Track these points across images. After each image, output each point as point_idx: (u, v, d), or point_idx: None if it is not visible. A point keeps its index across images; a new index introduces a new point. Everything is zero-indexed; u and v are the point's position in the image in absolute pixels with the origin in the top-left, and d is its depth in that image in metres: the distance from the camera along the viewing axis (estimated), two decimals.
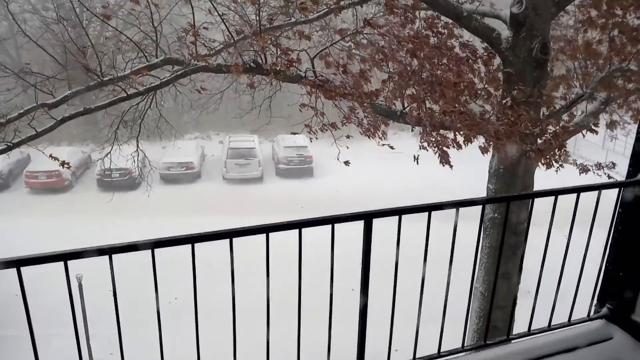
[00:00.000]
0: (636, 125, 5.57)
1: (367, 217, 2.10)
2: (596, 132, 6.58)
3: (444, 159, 6.98)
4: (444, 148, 6.87)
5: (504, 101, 6.29)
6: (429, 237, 2.42)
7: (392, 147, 7.46)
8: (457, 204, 2.22)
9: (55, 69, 7.47)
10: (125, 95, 6.51)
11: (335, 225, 2.10)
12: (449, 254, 2.50)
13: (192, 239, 1.88)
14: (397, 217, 2.23)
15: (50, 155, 7.40)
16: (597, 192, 2.42)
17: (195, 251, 2.05)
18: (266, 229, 1.97)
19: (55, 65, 7.51)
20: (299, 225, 1.99)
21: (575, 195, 2.37)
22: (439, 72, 6.78)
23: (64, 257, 1.75)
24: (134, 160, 8.66)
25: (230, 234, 1.93)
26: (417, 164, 6.79)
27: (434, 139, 6.81)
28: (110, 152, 8.17)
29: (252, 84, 7.68)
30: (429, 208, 2.19)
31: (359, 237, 2.17)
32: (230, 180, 21.81)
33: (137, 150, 8.56)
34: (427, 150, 6.83)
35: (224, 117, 22.54)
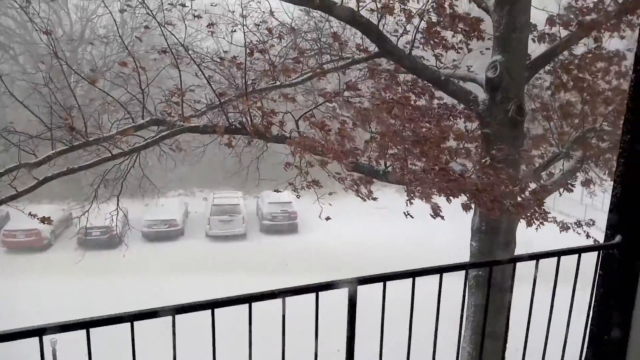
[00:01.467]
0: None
1: (352, 284, 2.09)
2: (572, 191, 6.75)
3: (435, 212, 7.04)
4: (432, 201, 6.96)
5: (482, 160, 6.45)
6: (414, 300, 2.41)
7: (375, 199, 7.53)
8: (441, 270, 2.23)
9: (39, 128, 7.50)
10: (110, 155, 6.53)
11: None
12: (435, 314, 2.48)
13: (173, 311, 1.84)
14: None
15: (30, 213, 7.27)
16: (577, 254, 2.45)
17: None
18: (248, 299, 1.94)
19: (40, 124, 7.55)
20: (282, 294, 1.96)
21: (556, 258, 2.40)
22: (420, 131, 6.97)
23: (39, 332, 1.69)
24: (113, 219, 8.55)
25: (212, 305, 1.89)
26: (412, 217, 6.90)
27: (419, 193, 6.90)
28: (88, 211, 8.05)
29: (230, 142, 7.75)
30: (412, 274, 2.20)
31: (343, 298, 2.15)
32: (213, 237, 21.56)
33: (117, 208, 8.48)
34: (412, 203, 6.91)
35: (209, 173, 22.62)
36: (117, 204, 8.44)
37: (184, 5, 7.21)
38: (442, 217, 6.79)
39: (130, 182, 8.32)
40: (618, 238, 2.45)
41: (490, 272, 2.73)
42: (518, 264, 2.85)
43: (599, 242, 6.45)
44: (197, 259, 19.11)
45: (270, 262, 18.18)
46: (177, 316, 1.88)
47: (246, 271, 17.11)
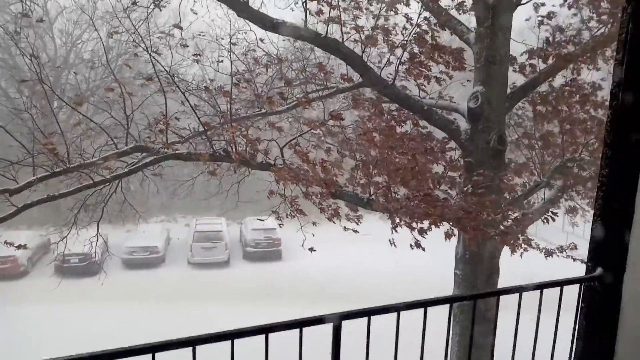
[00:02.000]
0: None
1: (336, 320, 2.06)
2: (554, 220, 6.86)
3: (416, 243, 7.07)
4: (415, 230, 6.99)
5: (465, 188, 6.53)
6: (399, 333, 2.39)
7: (355, 231, 7.55)
8: (425, 304, 2.22)
9: (20, 154, 7.39)
10: (92, 182, 6.45)
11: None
12: (420, 346, 2.46)
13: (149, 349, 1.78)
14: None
15: (5, 242, 7.09)
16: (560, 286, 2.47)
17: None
18: (230, 336, 1.90)
19: (21, 150, 7.44)
20: (266, 330, 1.93)
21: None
22: (403, 160, 7.04)
23: None
24: (92, 246, 8.37)
25: (193, 342, 1.85)
26: (395, 247, 6.93)
27: (403, 222, 6.94)
28: (67, 237, 7.88)
29: (214, 171, 7.72)
30: (397, 309, 2.19)
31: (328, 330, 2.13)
32: (195, 264, 21.22)
33: (97, 235, 8.31)
34: (397, 232, 6.94)
35: (191, 199, 22.37)
36: (97, 230, 8.28)
37: (172, 35, 7.28)
38: (423, 249, 6.83)
39: (111, 207, 8.19)
40: (599, 271, 2.48)
41: (474, 305, 2.72)
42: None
43: (583, 261, 6.57)
44: (178, 287, 18.75)
45: (254, 290, 17.93)
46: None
47: (228, 300, 16.83)
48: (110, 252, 9.57)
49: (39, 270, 20.14)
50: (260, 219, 8.25)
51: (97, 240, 8.40)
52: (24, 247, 7.09)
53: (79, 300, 16.11)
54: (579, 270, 2.80)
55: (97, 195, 7.80)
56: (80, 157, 6.62)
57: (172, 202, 23.96)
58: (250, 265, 21.58)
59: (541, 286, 2.37)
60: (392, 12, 7.06)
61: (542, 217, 6.71)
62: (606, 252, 2.50)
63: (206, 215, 24.09)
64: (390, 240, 6.91)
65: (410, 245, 7.02)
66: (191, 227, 23.03)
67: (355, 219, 7.60)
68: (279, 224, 7.73)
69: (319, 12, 6.85)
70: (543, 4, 7.65)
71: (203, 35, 8.17)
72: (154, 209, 25.13)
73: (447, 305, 2.61)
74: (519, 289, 2.34)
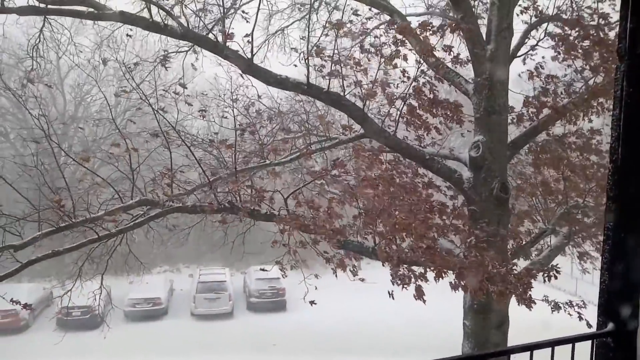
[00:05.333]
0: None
1: None
2: (556, 277, 6.76)
3: (419, 295, 6.94)
4: (417, 283, 6.89)
5: (468, 240, 6.49)
6: None
7: (362, 280, 7.45)
8: None
9: (26, 209, 7.44)
10: (97, 236, 6.46)
11: None
12: None
13: None
14: None
15: (12, 300, 7.01)
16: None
17: None
18: None
19: (27, 204, 7.49)
20: None
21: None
22: (405, 210, 7.05)
23: None
24: (95, 299, 8.27)
25: None
26: (393, 299, 6.77)
27: (402, 274, 6.84)
28: (71, 290, 7.79)
29: (225, 220, 7.77)
30: None
31: None
32: (199, 316, 20.82)
33: (100, 287, 8.22)
34: (399, 284, 6.82)
35: (195, 249, 22.27)
36: (101, 283, 8.20)
37: (178, 93, 7.49)
38: (424, 301, 6.69)
39: (115, 259, 8.15)
40: (610, 326, 2.44)
41: None
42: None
43: (590, 324, 6.40)
44: (181, 339, 18.34)
45: (258, 342, 17.50)
46: None
47: (232, 353, 16.41)
48: (113, 305, 9.42)
49: (41, 324, 19.80)
50: (264, 269, 8.19)
51: (101, 293, 8.31)
52: (30, 307, 6.98)
53: (81, 356, 15.76)
54: (591, 314, 2.73)
55: (102, 247, 7.79)
56: (86, 210, 6.66)
57: (176, 252, 23.81)
58: (254, 317, 21.17)
59: (552, 343, 2.32)
60: (391, 67, 7.28)
61: (544, 276, 6.60)
62: (617, 307, 2.47)
63: (210, 265, 23.87)
64: (389, 293, 6.73)
65: (414, 296, 6.90)
66: (195, 277, 22.77)
67: (353, 269, 7.51)
68: (282, 275, 7.66)
69: (321, 67, 7.06)
70: (532, 58, 7.87)
71: (206, 94, 8.40)
72: (157, 259, 24.93)
73: None
74: (530, 347, 2.29)
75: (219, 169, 7.57)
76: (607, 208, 2.44)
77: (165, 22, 6.76)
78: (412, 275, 6.80)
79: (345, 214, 7.59)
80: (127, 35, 7.85)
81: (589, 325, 6.51)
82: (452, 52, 7.38)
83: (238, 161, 7.39)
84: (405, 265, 6.74)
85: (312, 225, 6.80)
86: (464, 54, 7.33)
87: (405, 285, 6.60)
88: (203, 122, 9.23)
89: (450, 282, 6.83)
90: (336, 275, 7.33)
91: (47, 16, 7.70)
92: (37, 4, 6.81)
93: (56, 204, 6.14)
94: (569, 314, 6.73)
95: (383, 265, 7.61)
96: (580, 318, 6.66)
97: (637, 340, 2.45)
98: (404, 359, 15.76)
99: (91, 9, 6.84)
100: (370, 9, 8.06)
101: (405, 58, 7.18)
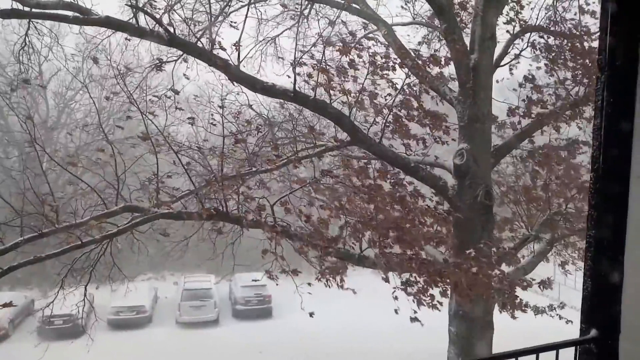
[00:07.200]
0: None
1: None
2: (531, 285, 6.97)
3: (420, 303, 7.04)
4: (422, 298, 6.98)
5: (453, 246, 6.57)
6: None
7: (354, 292, 7.49)
8: None
9: (8, 214, 7.30)
10: (80, 243, 6.37)
11: None
12: None
13: None
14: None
15: None
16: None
17: None
18: None
19: (9, 210, 7.35)
20: None
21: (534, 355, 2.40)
22: (392, 217, 7.09)
23: None
24: (78, 311, 8.14)
25: None
26: (397, 314, 6.94)
27: (413, 291, 6.99)
28: (53, 302, 7.64)
29: (220, 229, 7.68)
30: None
31: None
32: (184, 324, 20.59)
33: (84, 299, 8.08)
34: (414, 301, 6.98)
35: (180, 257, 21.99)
36: (85, 295, 8.06)
37: (168, 97, 7.46)
38: (420, 321, 6.82)
39: (99, 270, 8.02)
40: (593, 332, 2.48)
41: None
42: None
43: (568, 320, 6.64)
44: (165, 348, 18.12)
45: (244, 350, 17.36)
46: None
47: None
48: (97, 317, 9.25)
49: (21, 333, 19.39)
50: (255, 280, 8.15)
51: (84, 305, 8.17)
52: (10, 304, 6.79)
53: None
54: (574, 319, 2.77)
55: (86, 258, 7.65)
56: (72, 215, 6.56)
57: (161, 260, 23.55)
58: (240, 324, 20.99)
59: (537, 350, 2.36)
60: (378, 77, 7.34)
61: (522, 283, 6.78)
62: (599, 313, 2.52)
63: (195, 272, 23.64)
64: (395, 310, 6.97)
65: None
66: (179, 285, 22.52)
67: (339, 280, 7.55)
68: (276, 284, 7.64)
69: (309, 76, 7.09)
70: (515, 67, 8.02)
71: (198, 99, 8.36)
72: (141, 266, 24.61)
73: None
74: (514, 354, 2.32)
75: (207, 176, 7.52)
76: (589, 216, 2.49)
77: (152, 29, 6.73)
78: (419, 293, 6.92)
79: (331, 221, 7.60)
80: (126, 39, 7.80)
81: (568, 322, 6.77)
82: (440, 62, 7.45)
83: (227, 169, 7.35)
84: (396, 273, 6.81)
85: (306, 236, 6.83)
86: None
87: (420, 305, 6.75)
88: (190, 128, 9.18)
89: (440, 290, 6.90)
90: (329, 286, 7.38)
91: (32, 19, 7.61)
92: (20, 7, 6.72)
93: (49, 207, 6.05)
94: (550, 316, 6.96)
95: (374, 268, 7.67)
96: (560, 317, 6.89)
97: (619, 346, 2.49)
98: None
99: (77, 14, 6.78)
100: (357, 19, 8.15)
101: (393, 68, 7.26)
